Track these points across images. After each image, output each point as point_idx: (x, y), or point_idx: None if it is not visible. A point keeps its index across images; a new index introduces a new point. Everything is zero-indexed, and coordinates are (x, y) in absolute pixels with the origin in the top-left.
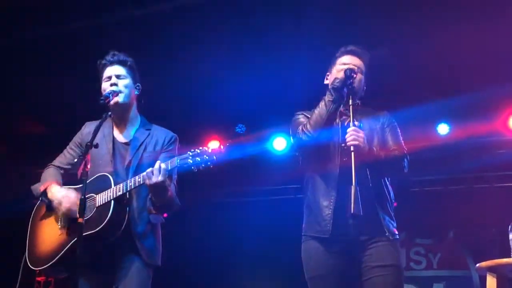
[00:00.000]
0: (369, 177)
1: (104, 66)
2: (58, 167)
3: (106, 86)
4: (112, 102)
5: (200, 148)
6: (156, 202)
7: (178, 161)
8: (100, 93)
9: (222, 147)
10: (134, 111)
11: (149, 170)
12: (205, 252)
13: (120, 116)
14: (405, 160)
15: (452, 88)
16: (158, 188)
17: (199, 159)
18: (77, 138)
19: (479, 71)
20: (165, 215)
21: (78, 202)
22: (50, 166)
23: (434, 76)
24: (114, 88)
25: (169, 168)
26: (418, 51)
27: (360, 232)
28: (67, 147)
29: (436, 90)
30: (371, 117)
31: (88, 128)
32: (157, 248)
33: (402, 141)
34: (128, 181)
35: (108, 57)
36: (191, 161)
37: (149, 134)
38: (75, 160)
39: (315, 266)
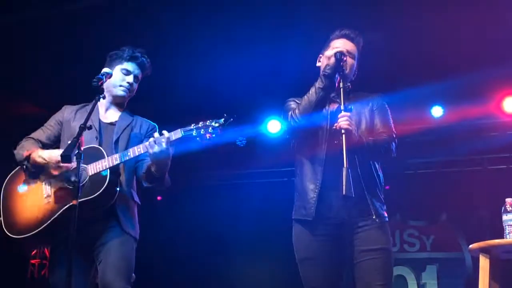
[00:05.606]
0: (356, 161)
1: (130, 59)
2: (38, 140)
3: (118, 77)
4: (116, 94)
5: (203, 121)
6: (156, 174)
7: (182, 132)
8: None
9: (225, 121)
10: (124, 105)
11: (151, 139)
12: (198, 234)
13: (113, 102)
14: (392, 143)
15: (447, 70)
16: (161, 159)
17: (203, 131)
18: (58, 116)
19: (474, 53)
20: (158, 198)
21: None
22: (29, 138)
23: (428, 59)
24: (127, 86)
25: (173, 138)
26: (412, 34)
27: (347, 214)
28: (46, 124)
29: (431, 72)
30: (362, 100)
31: (69, 110)
32: (137, 223)
33: (392, 124)
34: (126, 151)
35: (138, 54)
36: (195, 133)
37: (133, 119)
38: (55, 137)
39: (303, 249)
